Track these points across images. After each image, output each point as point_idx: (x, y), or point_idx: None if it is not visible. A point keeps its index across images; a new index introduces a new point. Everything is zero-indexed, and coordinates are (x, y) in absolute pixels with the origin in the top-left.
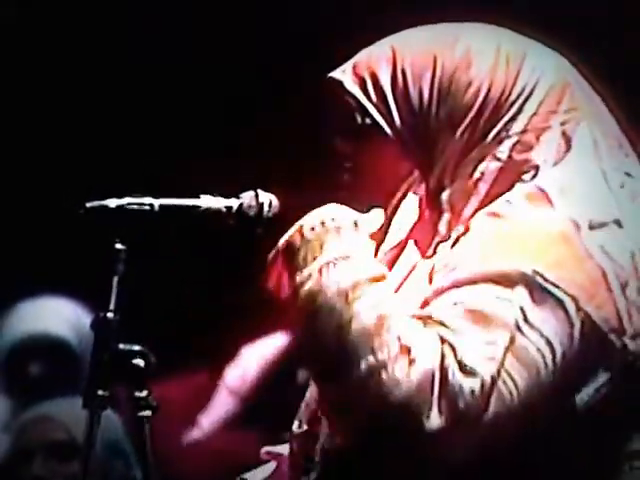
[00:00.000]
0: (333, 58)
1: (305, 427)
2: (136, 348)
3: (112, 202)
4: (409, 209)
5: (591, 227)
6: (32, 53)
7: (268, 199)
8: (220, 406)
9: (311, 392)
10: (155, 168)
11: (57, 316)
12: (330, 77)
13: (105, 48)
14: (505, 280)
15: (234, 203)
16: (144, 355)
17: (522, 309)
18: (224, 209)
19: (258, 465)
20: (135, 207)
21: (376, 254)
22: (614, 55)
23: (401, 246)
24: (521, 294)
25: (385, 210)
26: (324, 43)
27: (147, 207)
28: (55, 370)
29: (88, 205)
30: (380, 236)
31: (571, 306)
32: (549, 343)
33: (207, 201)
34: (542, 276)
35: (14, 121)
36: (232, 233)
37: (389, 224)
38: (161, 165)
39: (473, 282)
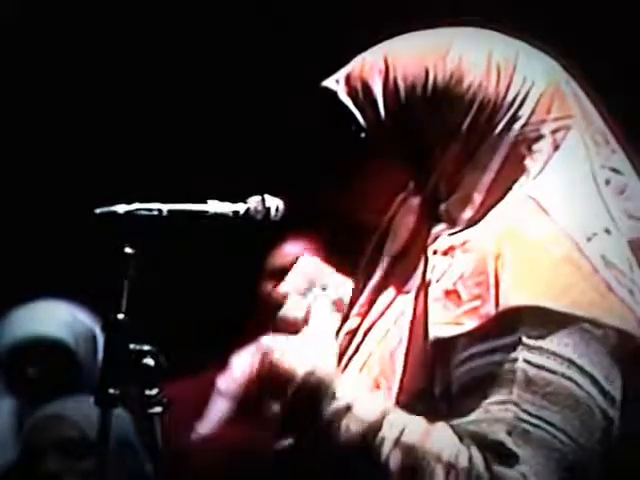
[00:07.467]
0: (336, 60)
1: None
2: (146, 348)
3: (121, 208)
4: (405, 220)
5: (588, 239)
6: (34, 56)
7: (275, 204)
8: (215, 411)
9: None
10: (163, 174)
11: (53, 318)
12: (324, 86)
13: (111, 53)
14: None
15: (241, 208)
16: (154, 355)
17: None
18: (231, 214)
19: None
20: (144, 212)
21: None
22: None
23: (398, 257)
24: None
25: (382, 220)
26: (326, 44)
27: (156, 212)
28: (53, 371)
29: (97, 211)
30: (377, 249)
31: (591, 327)
32: (584, 372)
33: (214, 206)
34: (552, 310)
35: (21, 126)
36: (239, 236)
37: (386, 236)
38: (169, 171)
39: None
